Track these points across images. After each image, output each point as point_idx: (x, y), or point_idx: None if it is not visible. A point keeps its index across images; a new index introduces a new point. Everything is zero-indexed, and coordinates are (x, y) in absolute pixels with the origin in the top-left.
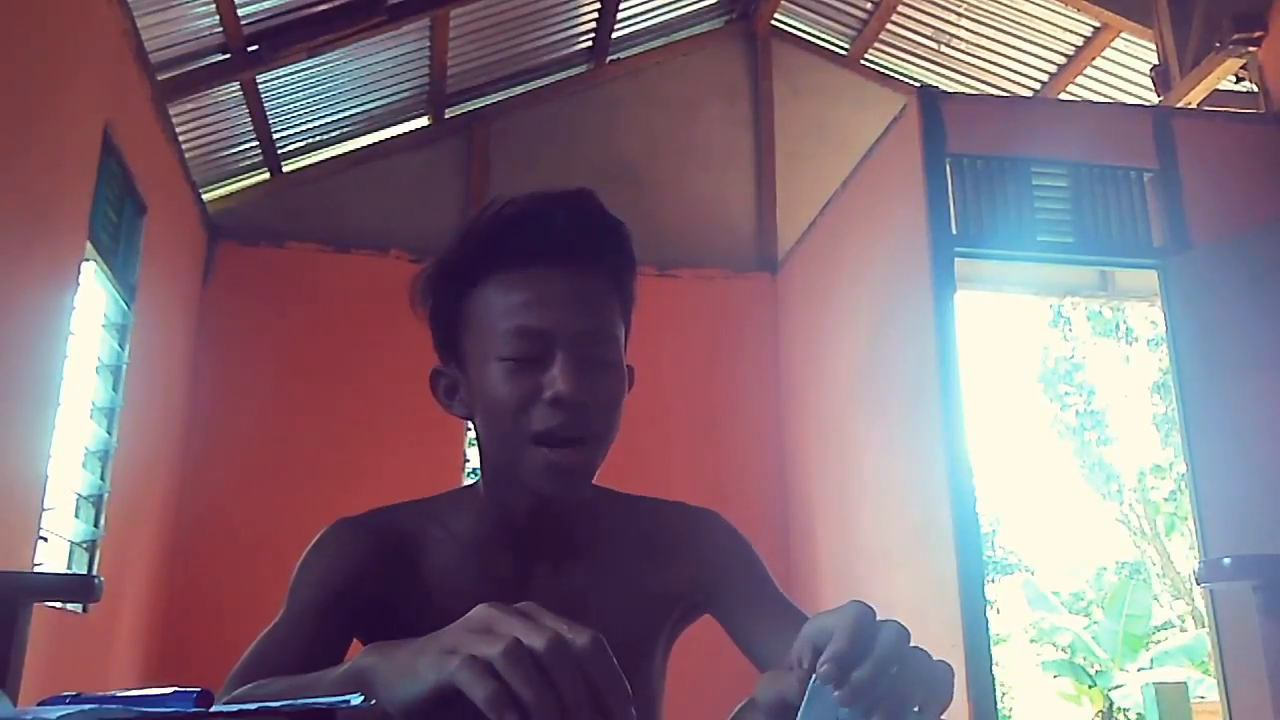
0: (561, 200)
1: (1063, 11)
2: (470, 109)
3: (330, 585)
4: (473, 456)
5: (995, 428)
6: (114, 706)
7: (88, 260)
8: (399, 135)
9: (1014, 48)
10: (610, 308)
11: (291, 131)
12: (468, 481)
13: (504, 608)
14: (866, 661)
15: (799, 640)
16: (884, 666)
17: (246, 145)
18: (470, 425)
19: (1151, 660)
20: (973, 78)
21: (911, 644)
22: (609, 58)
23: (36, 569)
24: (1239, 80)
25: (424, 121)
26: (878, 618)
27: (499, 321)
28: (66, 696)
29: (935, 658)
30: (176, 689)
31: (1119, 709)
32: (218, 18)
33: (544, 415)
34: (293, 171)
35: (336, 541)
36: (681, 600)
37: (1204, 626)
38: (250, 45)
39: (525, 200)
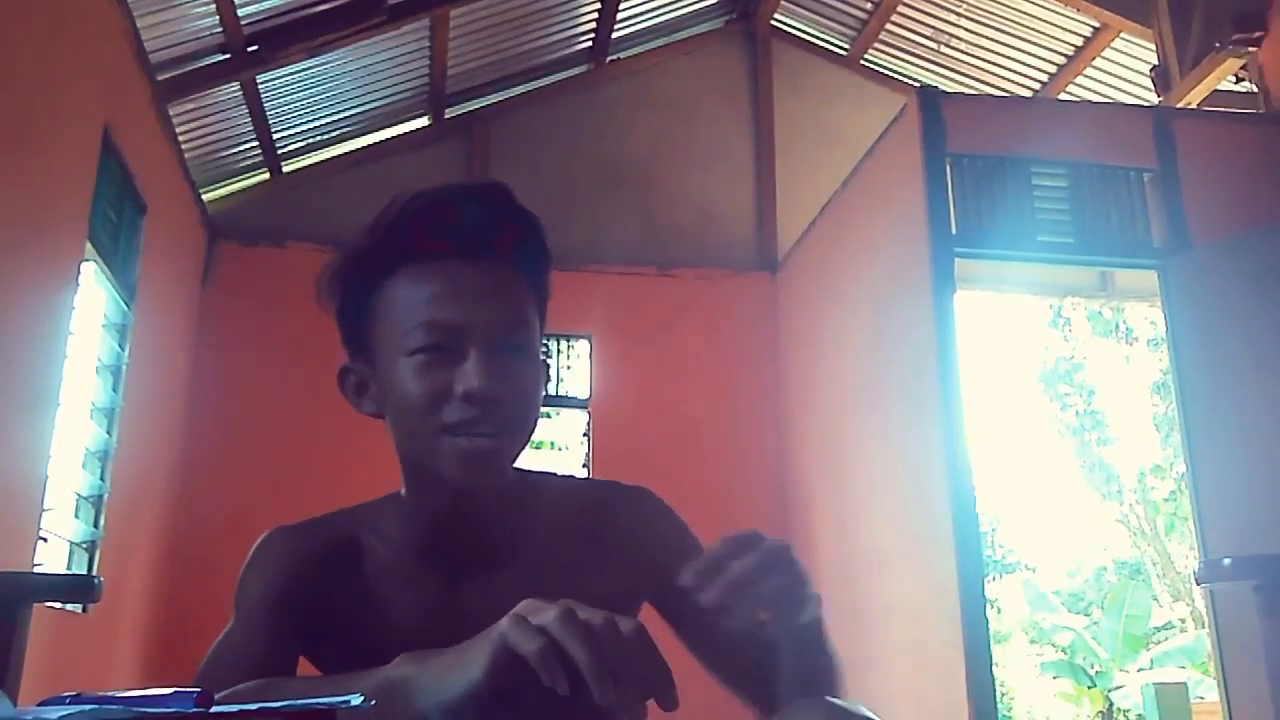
0: (472, 193)
1: (1062, 12)
2: (470, 109)
3: (273, 589)
4: None
5: (995, 428)
6: (114, 706)
7: (87, 260)
8: (399, 135)
9: (1014, 48)
10: (524, 300)
11: (291, 131)
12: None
13: (542, 602)
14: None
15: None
16: (742, 580)
17: (246, 145)
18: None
19: (1151, 661)
20: (973, 78)
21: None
22: (609, 58)
23: (36, 569)
24: (1239, 80)
25: (424, 121)
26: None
27: (409, 315)
28: (66, 696)
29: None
30: (176, 689)
31: (1119, 710)
32: (218, 18)
33: (456, 410)
34: (293, 171)
35: (271, 549)
36: (622, 593)
37: (1204, 627)
38: (250, 45)
39: (436, 193)
